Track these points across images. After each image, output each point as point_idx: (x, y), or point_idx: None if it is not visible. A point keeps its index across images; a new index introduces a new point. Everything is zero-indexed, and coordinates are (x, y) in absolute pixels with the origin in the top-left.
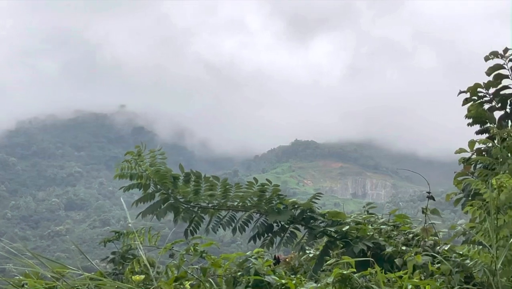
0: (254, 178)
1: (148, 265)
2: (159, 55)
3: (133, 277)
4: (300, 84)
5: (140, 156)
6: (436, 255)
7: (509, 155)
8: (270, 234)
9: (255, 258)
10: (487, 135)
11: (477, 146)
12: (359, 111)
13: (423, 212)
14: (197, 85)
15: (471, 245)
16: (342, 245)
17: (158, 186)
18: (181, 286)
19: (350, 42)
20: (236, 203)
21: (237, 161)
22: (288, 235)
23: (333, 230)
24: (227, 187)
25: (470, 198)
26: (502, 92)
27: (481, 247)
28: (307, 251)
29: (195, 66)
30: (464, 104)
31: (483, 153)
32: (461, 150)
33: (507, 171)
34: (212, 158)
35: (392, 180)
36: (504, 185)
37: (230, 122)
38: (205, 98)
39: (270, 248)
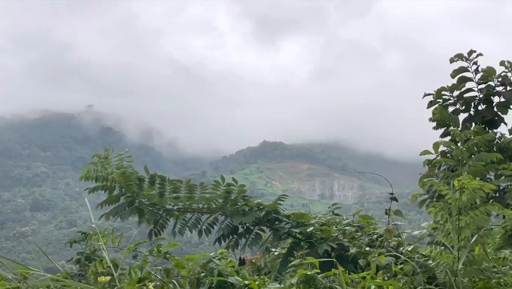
0: (221, 176)
1: (111, 266)
2: (127, 55)
3: (99, 278)
4: (269, 85)
5: (106, 159)
6: (400, 256)
7: (472, 156)
8: (235, 236)
9: (218, 259)
10: (450, 138)
11: (441, 148)
12: (327, 113)
13: (386, 213)
14: (166, 86)
15: (434, 246)
16: (306, 246)
17: (123, 189)
18: (145, 287)
19: (318, 43)
20: (202, 205)
21: (205, 162)
22: (253, 236)
23: (297, 231)
24: (192, 188)
25: (434, 200)
26: (466, 95)
27: (443, 248)
28: (272, 252)
29: (164, 66)
30: (429, 107)
31: (448, 155)
32: (425, 152)
33: (468, 173)
34: (180, 159)
35: (360, 181)
36: (466, 186)
37: (199, 123)
38: (174, 98)
39: (235, 249)
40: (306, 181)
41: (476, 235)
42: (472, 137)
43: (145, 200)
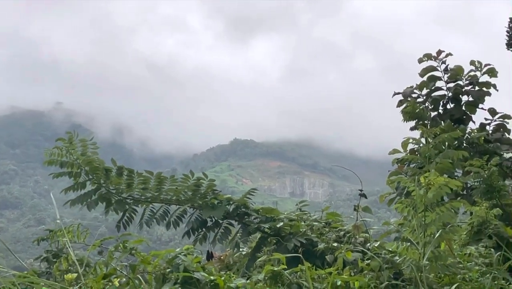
0: (191, 171)
1: (76, 263)
2: (99, 53)
3: (65, 276)
4: (240, 84)
5: (71, 144)
6: (367, 251)
7: (440, 153)
8: (204, 229)
9: (184, 255)
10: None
11: (410, 146)
12: (298, 111)
13: (355, 210)
14: (137, 83)
15: (400, 242)
16: (275, 242)
17: (90, 176)
18: (110, 283)
19: (290, 43)
20: (170, 196)
21: (176, 160)
22: (222, 230)
23: (267, 226)
24: (161, 179)
25: (403, 197)
26: (434, 94)
27: (409, 244)
28: (241, 248)
29: (136, 64)
30: (398, 106)
31: (416, 153)
32: (394, 151)
33: (435, 170)
34: (151, 157)
35: (330, 179)
36: (432, 183)
37: (170, 121)
38: (146, 96)
39: (203, 243)
40: (277, 178)
41: (440, 231)
42: (439, 134)
43: (112, 188)
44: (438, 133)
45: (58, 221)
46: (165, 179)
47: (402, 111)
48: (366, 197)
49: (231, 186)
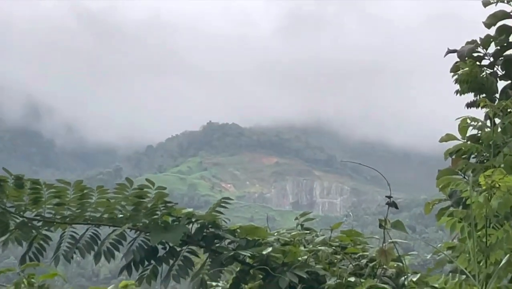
0: (128, 179)
1: None
2: None
3: None
4: (217, 41)
5: None
6: None
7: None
8: (152, 261)
9: None
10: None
11: (471, 131)
12: (303, 80)
13: (380, 226)
14: (61, 42)
15: (451, 274)
16: (261, 276)
17: None
18: None
19: None
20: (100, 214)
21: (121, 155)
22: (180, 262)
23: (248, 254)
24: (85, 191)
25: (460, 207)
26: (507, 53)
27: (464, 276)
28: (213, 284)
29: (59, 13)
30: (454, 71)
31: (480, 141)
32: (448, 137)
33: (502, 165)
34: (82, 150)
35: (353, 182)
36: (497, 185)
37: (111, 98)
38: (74, 61)
39: (152, 281)
40: (273, 182)
41: (508, 257)
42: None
43: (10, 206)
44: (509, 110)
45: None
46: (89, 190)
47: (457, 79)
48: (396, 207)
49: (204, 193)
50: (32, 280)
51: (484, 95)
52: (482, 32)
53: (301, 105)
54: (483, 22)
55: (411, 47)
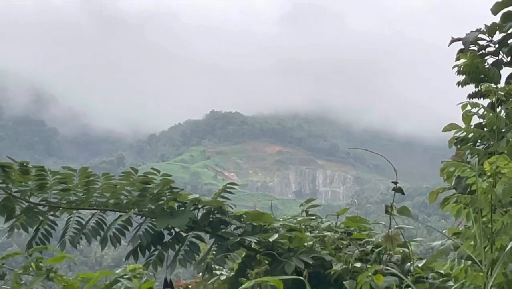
0: (132, 168)
1: None
2: None
3: None
4: (220, 30)
5: None
6: (403, 277)
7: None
8: (159, 247)
9: (128, 279)
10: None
11: (476, 120)
12: (305, 69)
13: (386, 212)
14: (65, 31)
15: (457, 260)
16: (267, 261)
17: None
18: None
19: None
20: (106, 199)
21: (124, 143)
22: (186, 247)
23: (254, 239)
24: (90, 178)
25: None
26: None
27: (469, 262)
28: (217, 272)
29: (62, 2)
30: (458, 59)
31: (485, 129)
32: (452, 126)
33: (506, 151)
34: (85, 139)
35: (356, 171)
36: (502, 171)
37: (114, 86)
38: (78, 50)
39: (158, 267)
40: (276, 171)
41: None
42: None
43: (16, 190)
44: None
45: None
46: (95, 176)
47: (458, 71)
48: (403, 193)
49: (207, 181)
50: (40, 263)
51: (487, 84)
52: (488, 20)
53: (304, 94)
54: (490, 9)
55: (416, 36)
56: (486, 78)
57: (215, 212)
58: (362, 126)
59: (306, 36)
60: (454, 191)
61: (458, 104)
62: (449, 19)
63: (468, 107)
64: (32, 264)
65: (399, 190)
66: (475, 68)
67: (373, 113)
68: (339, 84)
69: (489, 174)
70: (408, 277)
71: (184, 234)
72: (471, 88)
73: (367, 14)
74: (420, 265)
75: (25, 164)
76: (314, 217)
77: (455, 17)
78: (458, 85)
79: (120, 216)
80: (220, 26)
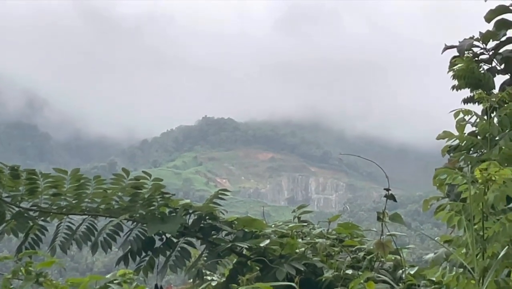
0: (124, 169)
1: None
2: None
3: None
4: (213, 35)
5: None
6: (395, 285)
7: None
8: (149, 252)
9: (118, 284)
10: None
11: (469, 128)
12: (299, 76)
13: (378, 219)
14: (58, 36)
15: (448, 268)
16: (258, 268)
17: None
18: None
19: None
20: (97, 204)
21: (116, 149)
22: (177, 253)
23: (245, 245)
24: (81, 181)
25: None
26: (506, 47)
27: (461, 270)
28: (208, 278)
29: (57, 5)
30: (452, 66)
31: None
32: (445, 134)
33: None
34: (76, 144)
35: (349, 179)
36: (493, 178)
37: (107, 91)
38: (71, 53)
39: (149, 273)
40: (268, 178)
41: (506, 249)
42: (507, 102)
43: (6, 195)
44: (505, 101)
45: None
46: (86, 180)
47: (454, 75)
48: (395, 200)
49: (199, 188)
50: (30, 268)
51: (480, 90)
52: (482, 27)
53: (297, 101)
54: (484, 17)
55: (410, 44)
56: (481, 83)
57: (207, 218)
58: (356, 133)
59: (300, 44)
60: (446, 199)
61: (451, 112)
62: (443, 27)
63: (461, 114)
64: (21, 268)
65: (391, 197)
66: (470, 73)
67: (367, 120)
68: (333, 90)
69: (480, 181)
70: (400, 284)
71: (175, 240)
72: (466, 92)
73: (362, 20)
74: (412, 272)
75: (15, 168)
76: (306, 224)
77: (451, 23)
78: (453, 89)
79: (111, 221)
80: (215, 31)
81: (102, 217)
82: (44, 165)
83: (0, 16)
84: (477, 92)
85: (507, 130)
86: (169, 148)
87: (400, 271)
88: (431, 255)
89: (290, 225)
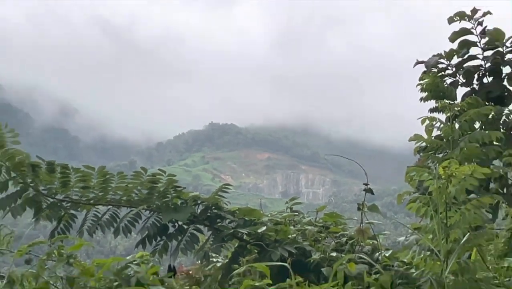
0: (142, 167)
1: None
2: (37, 15)
3: None
4: (219, 53)
5: None
6: (374, 264)
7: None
8: (164, 237)
9: (137, 264)
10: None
11: (437, 132)
12: (292, 87)
13: (358, 209)
14: (86, 54)
15: (417, 251)
16: (256, 251)
17: (12, 173)
18: None
19: (284, 3)
20: (119, 196)
21: (135, 150)
22: (188, 238)
23: (245, 231)
24: (107, 176)
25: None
26: (468, 64)
27: (429, 253)
28: (216, 259)
29: (84, 29)
30: (421, 79)
31: (444, 139)
32: (416, 137)
33: (460, 157)
34: (102, 145)
35: (333, 175)
36: (454, 174)
37: (127, 100)
38: (97, 69)
39: (163, 255)
40: (265, 174)
41: (467, 236)
42: (466, 110)
43: (43, 188)
44: (465, 109)
45: None
46: (110, 175)
47: (421, 89)
48: (372, 193)
49: (206, 183)
50: (62, 250)
51: (444, 101)
52: (446, 46)
53: (291, 109)
54: (448, 37)
55: (385, 59)
56: (445, 95)
57: (213, 208)
58: (340, 136)
59: (293, 60)
60: (417, 194)
61: (418, 118)
62: (415, 47)
63: (427, 121)
64: (54, 251)
65: (369, 190)
66: (435, 87)
67: (350, 125)
68: (321, 100)
69: (444, 177)
70: (377, 264)
71: (185, 227)
72: (432, 103)
73: (343, 40)
74: (387, 255)
75: (51, 163)
76: (297, 213)
77: (420, 45)
78: (421, 101)
79: (131, 210)
80: (220, 49)
81: (124, 207)
82: (74, 164)
83: (38, 37)
84: (441, 102)
85: (466, 134)
86: (181, 149)
87: (377, 254)
88: (402, 238)
89: (284, 214)
